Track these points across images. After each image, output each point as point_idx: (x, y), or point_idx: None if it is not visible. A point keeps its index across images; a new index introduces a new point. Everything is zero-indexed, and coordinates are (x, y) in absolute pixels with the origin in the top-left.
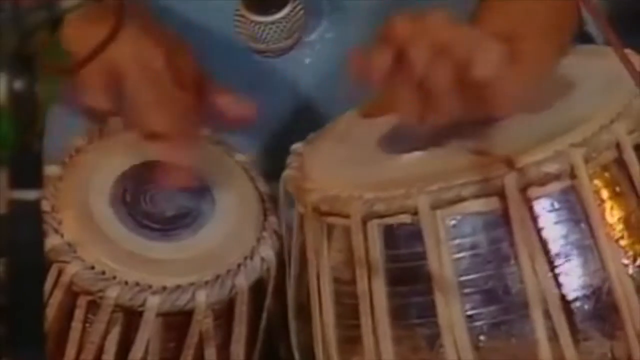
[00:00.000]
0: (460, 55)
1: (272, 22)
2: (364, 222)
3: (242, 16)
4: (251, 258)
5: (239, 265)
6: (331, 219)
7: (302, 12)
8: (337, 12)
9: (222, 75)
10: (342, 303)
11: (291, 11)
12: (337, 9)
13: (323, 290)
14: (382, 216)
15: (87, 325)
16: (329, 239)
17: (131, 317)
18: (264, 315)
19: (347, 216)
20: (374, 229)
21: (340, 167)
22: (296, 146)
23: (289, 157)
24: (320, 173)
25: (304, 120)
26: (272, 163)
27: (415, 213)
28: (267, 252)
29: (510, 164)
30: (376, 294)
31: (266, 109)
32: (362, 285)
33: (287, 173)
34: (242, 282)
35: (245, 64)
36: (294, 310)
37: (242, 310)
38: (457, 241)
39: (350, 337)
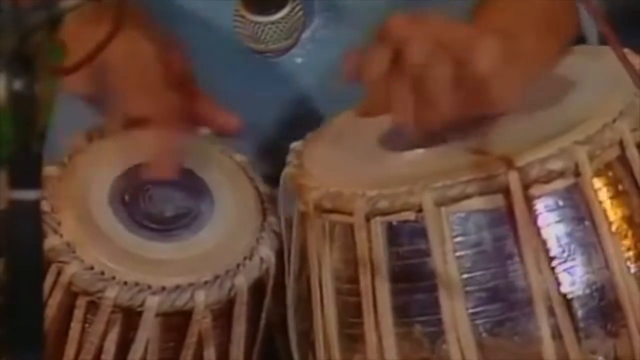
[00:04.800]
0: (459, 52)
1: (272, 22)
2: (367, 220)
3: (242, 16)
4: (250, 258)
5: (238, 266)
6: (333, 217)
7: (301, 12)
8: (329, 12)
9: (216, 75)
10: (344, 301)
11: (290, 11)
12: (329, 9)
13: (325, 288)
14: (385, 213)
15: (87, 325)
16: (331, 236)
17: (130, 318)
18: (264, 315)
19: (350, 213)
20: (377, 226)
21: (342, 165)
22: (295, 144)
23: (289, 155)
24: (322, 170)
25: (297, 120)
26: (267, 164)
27: (419, 210)
28: (267, 252)
29: (509, 163)
30: (379, 292)
31: (260, 109)
32: (365, 282)
33: (287, 170)
34: (242, 282)
35: (240, 64)
36: (293, 308)
37: (241, 311)
38: (461, 238)
39: (352, 335)
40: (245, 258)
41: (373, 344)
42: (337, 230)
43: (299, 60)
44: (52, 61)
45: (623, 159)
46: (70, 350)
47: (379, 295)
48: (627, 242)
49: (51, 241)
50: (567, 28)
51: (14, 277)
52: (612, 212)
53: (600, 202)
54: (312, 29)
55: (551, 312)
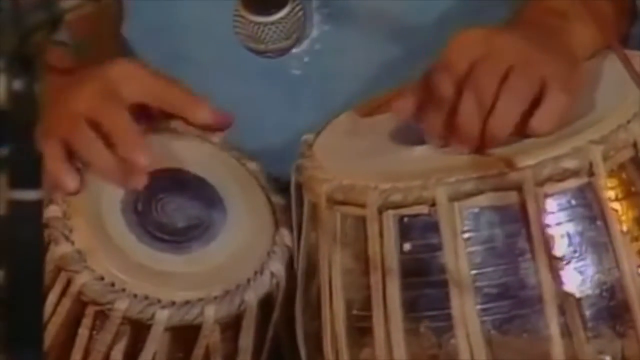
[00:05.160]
0: (526, 97)
1: (272, 23)
2: (380, 212)
3: (242, 16)
4: (261, 273)
5: (248, 280)
6: (345, 209)
7: (301, 12)
8: (327, 23)
9: (215, 76)
10: (353, 294)
11: (290, 11)
12: (327, 20)
13: (334, 281)
14: (398, 206)
15: (94, 332)
16: (342, 228)
17: (139, 330)
18: (271, 327)
19: (362, 206)
20: (390, 219)
21: (354, 158)
22: (307, 137)
23: (300, 148)
24: (334, 163)
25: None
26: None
27: (432, 204)
28: (277, 266)
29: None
30: (389, 285)
31: (259, 119)
32: (375, 276)
33: (299, 163)
34: (251, 297)
35: (239, 66)
36: (301, 304)
37: (249, 324)
38: (472, 234)
39: (360, 329)
40: (256, 272)
41: (381, 338)
42: (348, 223)
43: (297, 72)
44: (77, 56)
45: (636, 161)
46: (76, 357)
47: (389, 289)
48: (637, 244)
49: (62, 248)
50: (613, 29)
51: (14, 278)
52: (623, 213)
53: (612, 203)
54: (309, 41)
55: (561, 310)
